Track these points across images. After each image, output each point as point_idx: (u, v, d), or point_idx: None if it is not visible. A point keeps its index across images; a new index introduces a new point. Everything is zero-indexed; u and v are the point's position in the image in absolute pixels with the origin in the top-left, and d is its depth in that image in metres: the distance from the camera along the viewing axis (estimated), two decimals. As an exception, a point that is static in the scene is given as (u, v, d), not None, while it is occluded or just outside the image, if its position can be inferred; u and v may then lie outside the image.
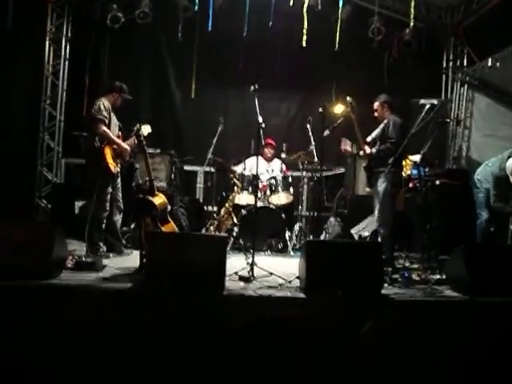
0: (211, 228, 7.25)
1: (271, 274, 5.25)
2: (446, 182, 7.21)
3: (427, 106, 5.69)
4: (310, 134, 7.37)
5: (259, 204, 7.08)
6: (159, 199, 5.81)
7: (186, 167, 8.65)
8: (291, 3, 7.85)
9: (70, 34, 9.00)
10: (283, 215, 7.27)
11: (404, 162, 6.89)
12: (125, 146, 6.24)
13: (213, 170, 7.63)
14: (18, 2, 7.80)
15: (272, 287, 4.83)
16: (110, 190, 6.18)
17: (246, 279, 5.07)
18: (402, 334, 4.36)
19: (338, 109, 7.40)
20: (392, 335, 4.34)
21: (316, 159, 7.24)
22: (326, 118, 5.97)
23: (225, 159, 7.74)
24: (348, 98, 6.15)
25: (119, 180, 6.38)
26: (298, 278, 4.99)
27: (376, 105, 6.30)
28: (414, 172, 6.94)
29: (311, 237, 7.49)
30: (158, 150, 7.55)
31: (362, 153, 6.25)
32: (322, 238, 7.59)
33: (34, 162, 8.84)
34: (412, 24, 8.58)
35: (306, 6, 8.01)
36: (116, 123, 6.37)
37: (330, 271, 4.65)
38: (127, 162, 6.47)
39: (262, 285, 4.91)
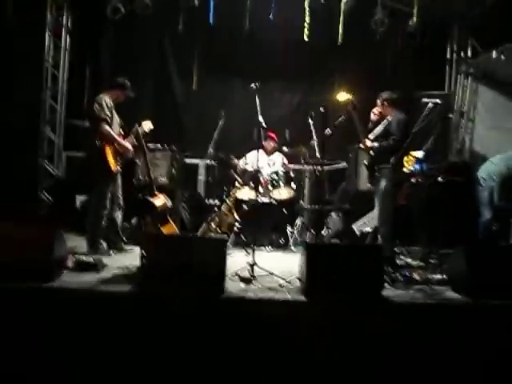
0: (212, 224, 7.22)
1: (271, 274, 5.24)
2: (449, 178, 7.16)
3: (430, 105, 5.62)
4: (312, 128, 7.31)
5: (261, 199, 7.08)
6: (159, 200, 5.79)
7: (188, 160, 8.60)
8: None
9: (69, 25, 8.93)
10: (285, 210, 7.25)
11: (406, 158, 6.86)
12: (126, 144, 6.18)
13: (214, 163, 7.59)
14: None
15: (272, 289, 4.82)
16: (110, 188, 6.14)
17: (247, 280, 5.06)
18: (402, 336, 4.37)
19: (342, 96, 7.36)
20: (392, 338, 4.35)
21: (318, 154, 7.17)
22: (327, 117, 5.89)
23: (226, 152, 7.70)
24: (350, 97, 6.08)
25: (119, 177, 6.34)
26: (298, 278, 4.98)
27: (378, 103, 6.24)
28: (417, 167, 6.91)
29: (312, 231, 7.47)
30: (159, 145, 7.49)
31: (361, 145, 6.21)
32: (324, 233, 7.58)
33: (35, 155, 8.79)
34: (416, 15, 8.47)
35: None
36: (118, 121, 6.28)
37: (331, 273, 4.63)
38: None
39: (263, 286, 4.90)
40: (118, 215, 6.35)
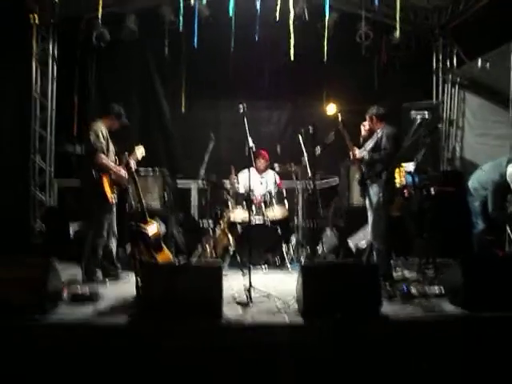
0: (207, 247, 7.20)
1: (268, 296, 5.22)
2: (441, 189, 7.16)
3: (418, 120, 5.64)
4: (303, 146, 7.32)
5: (254, 219, 7.06)
6: (152, 227, 5.78)
7: (180, 183, 8.58)
8: (277, 17, 7.74)
9: (56, 55, 8.94)
10: (279, 230, 7.23)
11: (398, 171, 6.87)
12: (122, 173, 6.14)
13: (206, 186, 7.57)
14: (3, 24, 7.73)
15: (270, 311, 4.80)
16: (107, 217, 6.10)
17: (244, 304, 5.04)
18: (402, 353, 4.35)
19: (330, 109, 7.39)
20: (392, 355, 4.33)
21: (309, 172, 7.17)
22: (316, 136, 5.90)
23: (218, 174, 7.70)
24: (339, 116, 6.09)
25: (114, 205, 6.29)
26: (296, 300, 4.96)
27: (367, 118, 6.27)
28: (409, 179, 6.92)
29: (308, 249, 7.45)
30: (150, 169, 7.48)
31: (351, 155, 6.22)
32: (319, 250, 7.57)
33: (26, 184, 8.78)
34: (399, 27, 8.53)
35: (292, 16, 7.91)
36: (112, 149, 6.24)
37: (328, 294, 4.63)
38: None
39: (260, 309, 4.87)
40: (113, 243, 6.32)
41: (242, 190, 7.57)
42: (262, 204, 7.40)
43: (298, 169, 7.63)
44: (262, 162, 8.02)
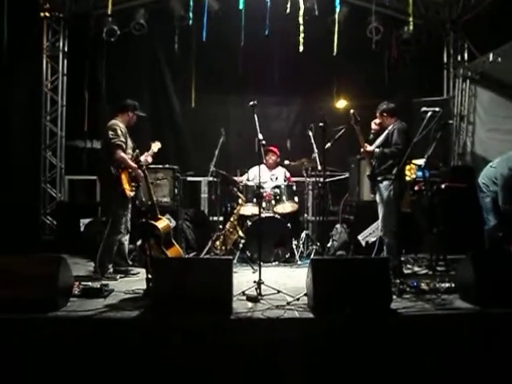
0: (217, 243, 7.22)
1: (279, 291, 5.21)
2: (452, 185, 7.13)
3: (429, 114, 5.60)
4: (313, 141, 7.31)
5: (264, 214, 7.06)
6: (162, 223, 5.79)
7: (190, 178, 8.60)
8: (287, 10, 7.73)
9: (66, 50, 8.99)
10: (289, 224, 7.23)
11: (408, 166, 6.85)
12: (139, 170, 6.14)
13: (216, 180, 7.58)
14: (14, 20, 7.76)
15: (280, 307, 4.78)
16: (125, 213, 6.12)
17: (254, 299, 5.03)
18: (412, 349, 4.33)
19: (341, 104, 7.37)
20: (402, 351, 4.32)
21: (319, 167, 7.16)
22: (326, 131, 5.88)
23: (228, 169, 7.71)
24: (351, 111, 6.06)
25: (130, 201, 6.30)
26: (305, 295, 4.95)
27: (377, 115, 6.25)
28: (419, 174, 6.89)
29: (318, 244, 7.46)
30: (160, 166, 7.49)
31: (363, 150, 6.20)
32: (329, 245, 7.56)
33: (37, 179, 8.83)
34: (410, 22, 8.49)
35: (302, 10, 7.89)
36: (131, 145, 6.25)
37: (338, 289, 4.61)
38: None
39: (270, 304, 4.86)
40: (126, 239, 6.34)
41: (252, 184, 7.55)
42: (272, 199, 7.38)
43: (309, 164, 7.63)
44: (272, 158, 8.01)
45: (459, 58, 9.27)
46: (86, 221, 7.97)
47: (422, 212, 7.27)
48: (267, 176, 7.85)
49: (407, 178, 6.73)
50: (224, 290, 4.59)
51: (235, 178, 7.68)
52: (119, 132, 6.05)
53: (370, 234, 7.23)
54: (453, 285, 5.36)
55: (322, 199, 6.66)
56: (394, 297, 4.96)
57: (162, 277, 4.66)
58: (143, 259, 5.50)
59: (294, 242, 7.32)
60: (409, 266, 6.84)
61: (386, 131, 6.17)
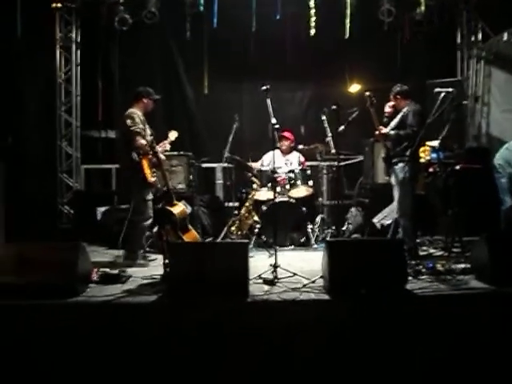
0: (233, 228, 7.26)
1: (295, 274, 5.25)
2: (467, 166, 7.10)
3: (442, 94, 5.59)
4: (326, 125, 7.32)
5: (279, 199, 7.09)
6: (178, 208, 5.85)
7: (204, 165, 8.64)
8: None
9: (79, 40, 9.04)
10: (304, 208, 7.25)
11: (423, 148, 6.83)
12: (160, 155, 6.23)
13: (231, 166, 7.61)
14: (26, 12, 7.82)
15: (296, 289, 4.83)
16: (149, 198, 6.19)
17: (270, 282, 5.08)
18: (429, 329, 4.35)
19: (354, 88, 7.34)
20: (418, 331, 4.33)
21: (333, 150, 7.17)
22: (339, 114, 5.88)
23: (242, 155, 7.73)
24: (367, 93, 6.05)
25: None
26: (321, 277, 4.99)
27: (391, 97, 6.23)
28: (434, 156, 6.88)
29: (333, 227, 7.48)
30: (175, 152, 7.54)
31: (377, 133, 6.19)
32: (345, 228, 7.59)
33: (54, 169, 8.92)
34: (423, 3, 8.42)
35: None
36: (149, 133, 6.29)
37: (353, 270, 4.65)
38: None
39: (286, 287, 4.91)
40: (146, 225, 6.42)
41: (266, 168, 7.58)
42: (287, 183, 7.41)
43: (323, 148, 7.64)
44: (286, 144, 8.01)
45: (473, 38, 9.14)
46: (103, 209, 8.07)
47: (436, 194, 7.26)
48: (281, 161, 7.85)
49: (421, 160, 6.70)
50: (240, 273, 4.65)
51: (250, 164, 7.70)
52: (137, 120, 6.11)
53: (385, 217, 7.23)
54: (468, 266, 5.38)
55: (337, 183, 6.69)
56: (410, 278, 4.98)
57: (178, 261, 4.73)
58: (160, 245, 5.57)
59: (310, 226, 7.33)
60: (424, 247, 6.83)
61: (401, 113, 6.16)
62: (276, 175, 7.07)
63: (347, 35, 8.41)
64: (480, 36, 9.05)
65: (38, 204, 8.32)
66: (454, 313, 4.44)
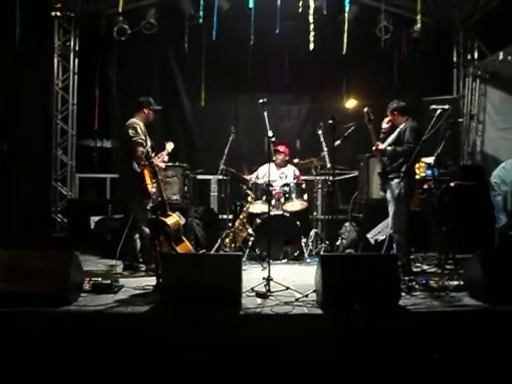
0: (227, 240, 7.25)
1: (287, 288, 5.23)
2: (461, 183, 7.12)
3: (438, 111, 5.61)
4: (322, 139, 7.35)
5: (273, 212, 7.09)
6: (172, 219, 5.84)
7: (199, 176, 8.64)
8: (300, 9, 7.76)
9: (77, 49, 9.06)
10: (298, 222, 7.25)
11: (418, 165, 6.84)
12: (160, 165, 6.28)
13: (226, 178, 7.61)
14: (25, 20, 7.82)
15: (288, 303, 4.81)
16: (146, 210, 6.17)
17: (263, 295, 5.06)
18: (421, 345, 4.33)
19: (350, 103, 7.38)
20: (411, 347, 4.32)
21: (329, 165, 7.19)
22: (336, 129, 5.90)
23: (238, 167, 7.74)
24: (365, 109, 6.08)
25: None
26: (314, 291, 4.97)
27: (388, 113, 6.26)
28: (429, 173, 6.90)
29: (327, 242, 7.47)
30: (170, 163, 7.53)
31: (375, 148, 6.20)
32: (338, 243, 7.58)
33: (48, 177, 8.90)
34: (420, 20, 8.49)
35: (312, 9, 7.92)
36: (149, 144, 6.30)
37: (347, 285, 4.63)
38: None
39: (279, 300, 4.89)
40: (137, 235, 6.39)
41: (261, 181, 7.59)
42: (282, 197, 7.41)
43: (318, 163, 7.66)
44: (280, 157, 8.01)
45: (469, 56, 9.23)
46: (96, 218, 8.04)
47: (431, 210, 7.26)
48: (276, 174, 7.87)
49: (416, 177, 6.72)
50: (233, 285, 4.63)
51: (245, 176, 7.70)
52: (139, 130, 6.15)
53: (379, 233, 7.23)
54: (461, 283, 5.36)
55: (331, 197, 6.69)
56: (403, 294, 4.97)
57: (171, 272, 4.71)
58: (153, 255, 5.55)
59: (303, 240, 7.33)
60: (418, 264, 6.82)
61: (398, 129, 6.17)
62: (271, 188, 7.07)
63: (345, 51, 8.44)
64: (476, 55, 9.14)
65: (32, 212, 8.27)
66: (447, 330, 4.42)
